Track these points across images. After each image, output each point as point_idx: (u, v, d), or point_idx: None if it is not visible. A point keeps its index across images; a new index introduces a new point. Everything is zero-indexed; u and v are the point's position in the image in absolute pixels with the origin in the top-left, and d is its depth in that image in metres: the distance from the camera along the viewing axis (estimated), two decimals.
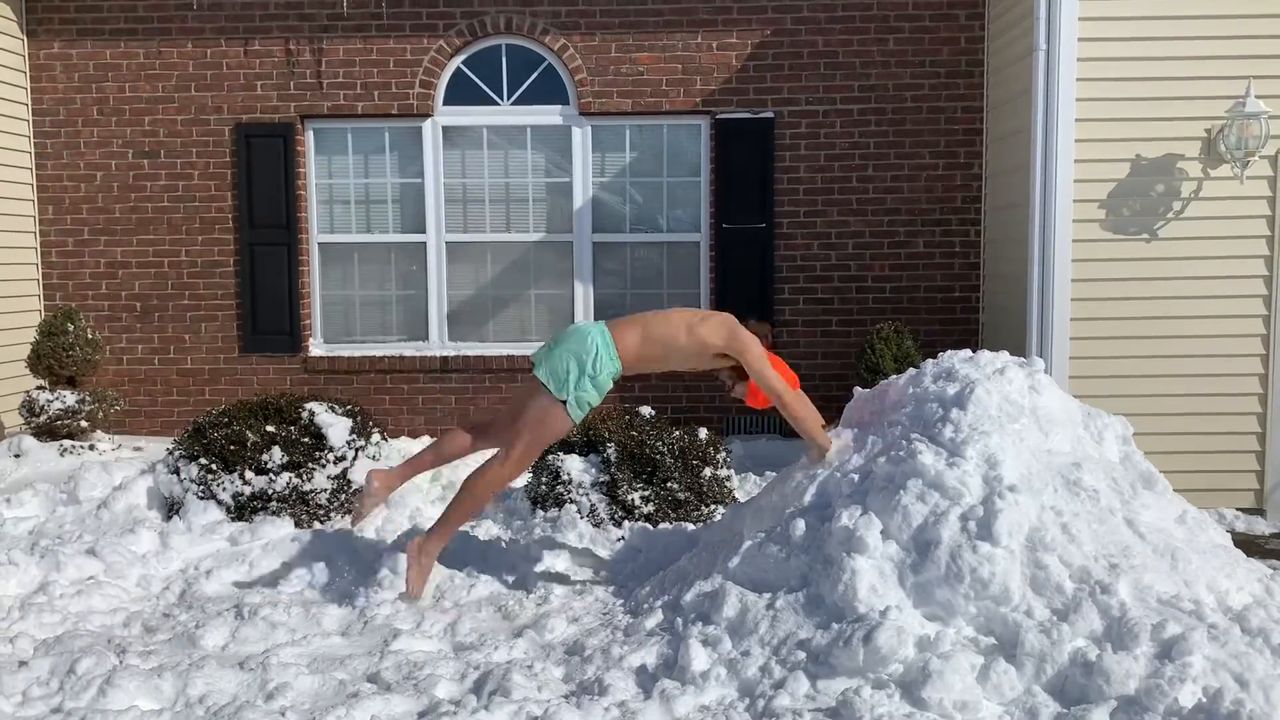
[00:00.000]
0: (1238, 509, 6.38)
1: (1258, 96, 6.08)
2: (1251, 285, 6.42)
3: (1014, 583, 3.77)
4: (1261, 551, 5.62)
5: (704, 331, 4.61)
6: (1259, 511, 6.43)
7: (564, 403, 4.51)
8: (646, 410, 6.36)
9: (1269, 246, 6.40)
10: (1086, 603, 3.68)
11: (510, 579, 4.99)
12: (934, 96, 7.81)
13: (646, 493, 5.76)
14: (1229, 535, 4.59)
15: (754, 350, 4.61)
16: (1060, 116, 6.31)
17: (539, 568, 5.08)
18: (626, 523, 5.64)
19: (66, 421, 7.34)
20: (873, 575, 3.86)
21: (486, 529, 5.60)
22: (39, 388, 7.46)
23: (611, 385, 4.62)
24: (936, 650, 3.56)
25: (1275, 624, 3.74)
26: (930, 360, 4.83)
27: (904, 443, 4.31)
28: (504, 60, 8.03)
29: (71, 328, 7.51)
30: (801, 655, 3.70)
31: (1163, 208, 6.44)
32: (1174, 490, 4.50)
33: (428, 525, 5.69)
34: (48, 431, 7.37)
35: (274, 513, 5.80)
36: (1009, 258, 7.19)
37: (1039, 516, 3.97)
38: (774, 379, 4.62)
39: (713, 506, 5.86)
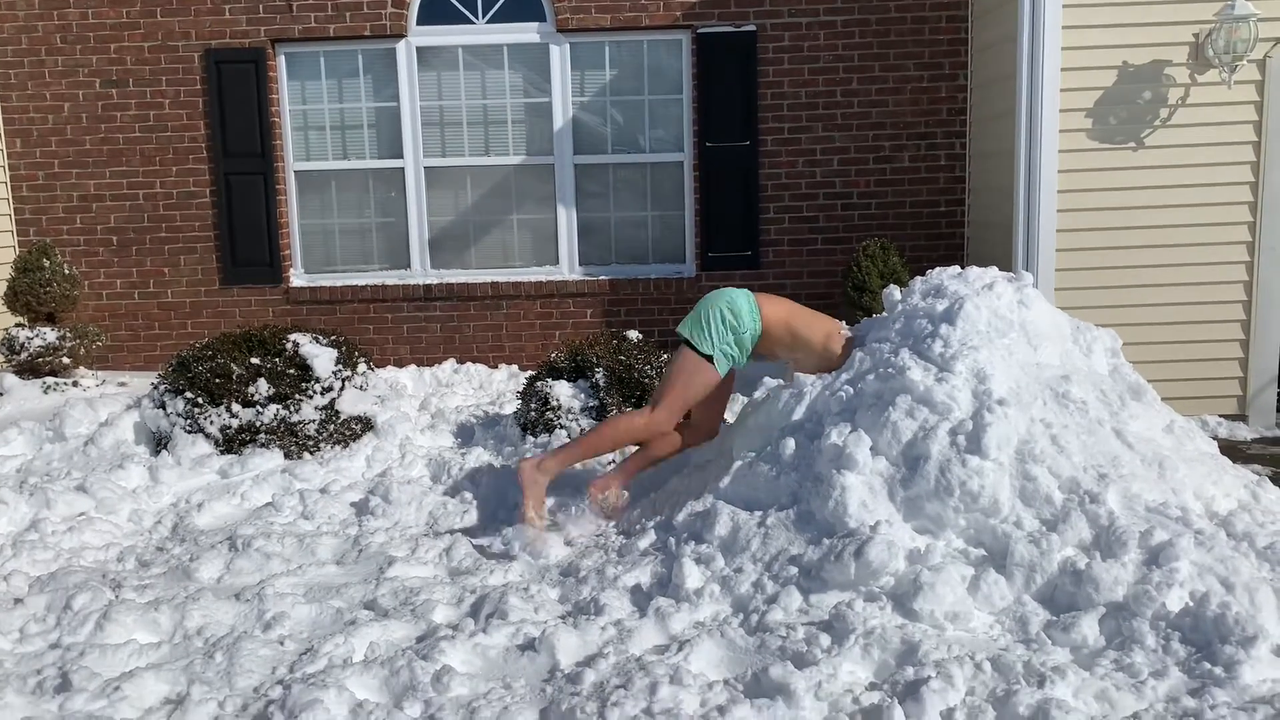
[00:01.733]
0: (1221, 415, 6.45)
1: None
2: (1238, 192, 6.39)
3: (1003, 495, 3.80)
4: (1244, 457, 5.70)
5: (836, 347, 4.62)
6: (1241, 417, 6.50)
7: (709, 357, 4.50)
8: (633, 334, 6.34)
9: (1255, 152, 6.35)
10: (1075, 512, 3.72)
11: (504, 504, 5.01)
12: (918, 5, 7.65)
13: None
14: (1214, 442, 4.63)
15: None
16: (1046, 23, 6.19)
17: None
18: None
19: (48, 358, 7.27)
20: (863, 491, 3.89)
21: (477, 455, 5.60)
22: (18, 325, 7.38)
23: (752, 348, 4.59)
24: (927, 563, 3.60)
25: (1259, 528, 3.79)
26: (919, 277, 4.81)
27: (893, 359, 4.31)
28: None
29: (47, 263, 7.39)
30: (793, 570, 3.74)
31: (1149, 115, 6.37)
32: (1162, 399, 4.53)
33: (416, 454, 5.70)
34: (29, 369, 7.31)
35: (263, 445, 5.79)
36: (995, 170, 7.12)
37: (1028, 429, 3.99)
38: None
39: None
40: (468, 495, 5.05)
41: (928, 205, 7.87)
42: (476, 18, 7.86)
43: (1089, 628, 3.31)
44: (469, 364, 7.70)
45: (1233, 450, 5.78)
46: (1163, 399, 4.62)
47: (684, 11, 7.71)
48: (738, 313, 4.51)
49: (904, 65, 7.71)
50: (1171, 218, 6.39)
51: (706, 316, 4.52)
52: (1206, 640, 3.19)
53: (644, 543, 4.18)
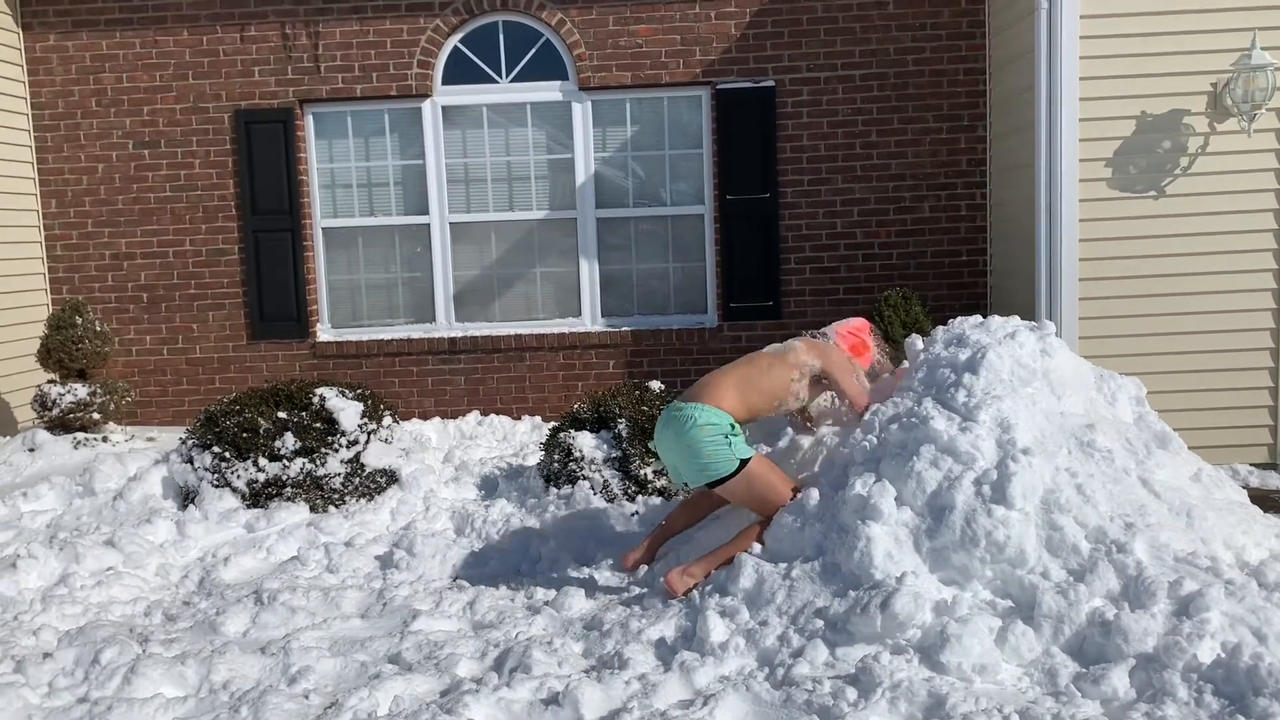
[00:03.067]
0: (1251, 464, 6.37)
1: (1263, 48, 6.02)
2: (1261, 239, 6.38)
3: (1029, 545, 3.77)
4: (1276, 507, 5.61)
5: (801, 391, 4.57)
6: (1272, 466, 6.42)
7: (743, 462, 4.25)
8: (656, 385, 6.37)
9: (1277, 200, 6.35)
10: (1103, 562, 3.69)
11: (527, 556, 5.01)
12: (936, 59, 7.74)
13: (659, 467, 5.77)
14: (1245, 491, 4.58)
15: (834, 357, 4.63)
16: (1064, 75, 6.25)
17: (554, 544, 5.10)
18: (640, 498, 5.65)
19: (79, 414, 7.37)
20: (888, 542, 3.87)
21: (501, 508, 5.62)
22: (50, 381, 7.49)
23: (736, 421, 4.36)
24: (954, 614, 3.57)
25: None
26: (941, 326, 4.81)
27: (916, 408, 4.31)
28: (501, 37, 7.98)
29: (80, 321, 7.52)
30: (819, 623, 3.71)
31: (1169, 164, 6.39)
32: (1189, 448, 4.49)
33: (440, 506, 5.72)
34: (60, 425, 7.40)
35: (289, 499, 5.83)
36: (1015, 219, 7.14)
37: (1053, 478, 3.97)
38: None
39: None
40: (492, 548, 5.06)
41: (949, 255, 7.89)
42: (500, 77, 8.01)
43: (1119, 680, 3.27)
44: (492, 416, 7.73)
45: (1264, 499, 5.70)
46: (1193, 448, 4.59)
47: (704, 68, 7.84)
48: (704, 422, 4.25)
49: (923, 118, 7.79)
50: (1194, 265, 6.38)
51: (697, 451, 4.23)
52: (1240, 693, 3.13)
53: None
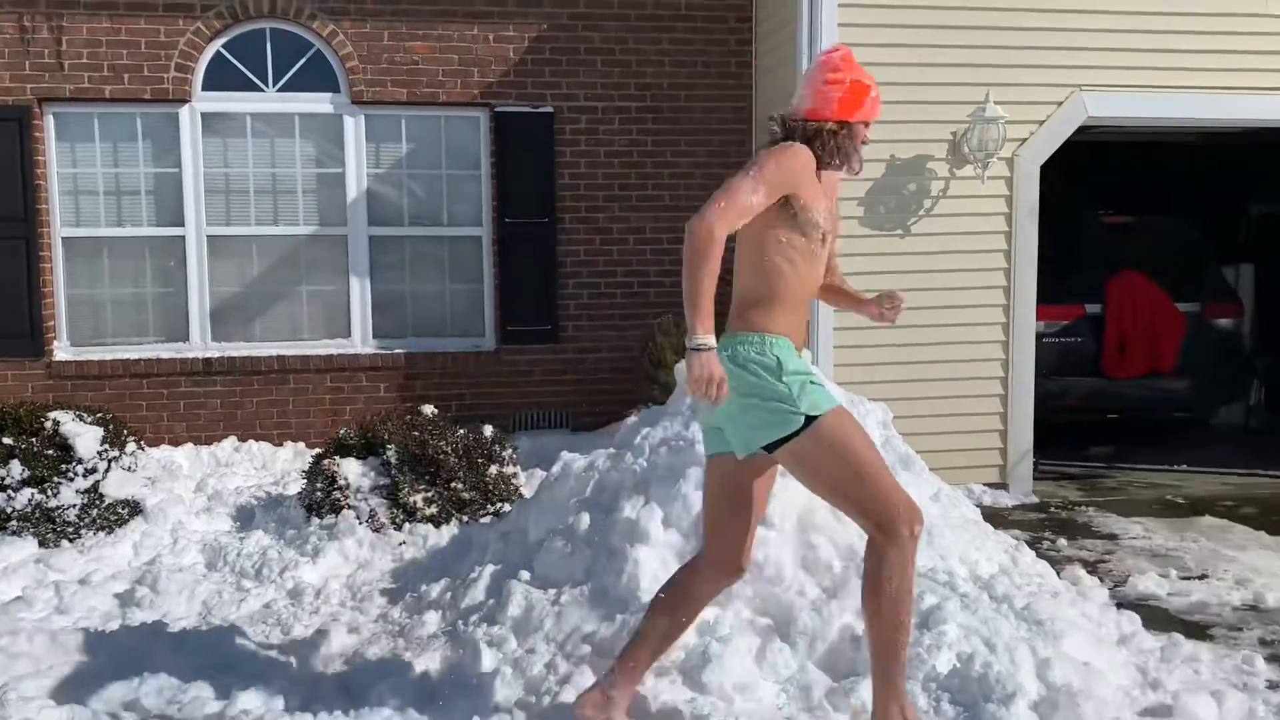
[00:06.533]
0: (984, 484, 6.92)
1: (995, 103, 6.60)
2: (994, 277, 6.96)
3: (787, 564, 3.92)
4: (1006, 523, 6.12)
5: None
6: (1003, 486, 6.99)
7: (810, 417, 2.95)
8: (428, 409, 6.22)
9: (1007, 241, 6.95)
10: (854, 579, 3.88)
11: (286, 590, 4.75)
12: (707, 96, 8.02)
13: (430, 494, 5.63)
14: (978, 510, 4.96)
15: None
16: None
17: (315, 577, 4.87)
18: (409, 526, 5.49)
19: None
20: (655, 564, 3.92)
21: (258, 540, 5.31)
22: None
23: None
24: (716, 634, 3.66)
25: (1018, 590, 4.07)
26: None
27: (684, 432, 4.42)
28: (269, 45, 7.62)
29: None
30: (587, 649, 3.71)
31: (915, 205, 6.88)
32: (930, 469, 4.82)
33: (190, 539, 5.35)
34: None
35: (14, 533, 5.30)
36: None
37: (809, 499, 4.15)
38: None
39: (499, 504, 5.80)
40: (246, 582, 4.77)
41: (721, 284, 8.14)
42: (267, 86, 7.65)
43: (868, 692, 3.43)
44: (251, 442, 7.32)
45: (996, 517, 6.20)
46: (934, 469, 4.93)
47: (482, 90, 7.79)
48: (764, 366, 3.02)
49: (694, 151, 8.04)
50: (937, 299, 6.87)
51: (753, 390, 2.98)
52: (972, 699, 3.37)
53: (433, 626, 4.06)
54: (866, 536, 2.99)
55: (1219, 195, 9.87)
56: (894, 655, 3.01)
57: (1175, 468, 7.75)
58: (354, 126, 7.76)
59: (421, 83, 7.71)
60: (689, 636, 3.65)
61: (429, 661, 3.79)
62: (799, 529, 4.03)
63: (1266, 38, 6.91)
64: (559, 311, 7.98)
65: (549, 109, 7.85)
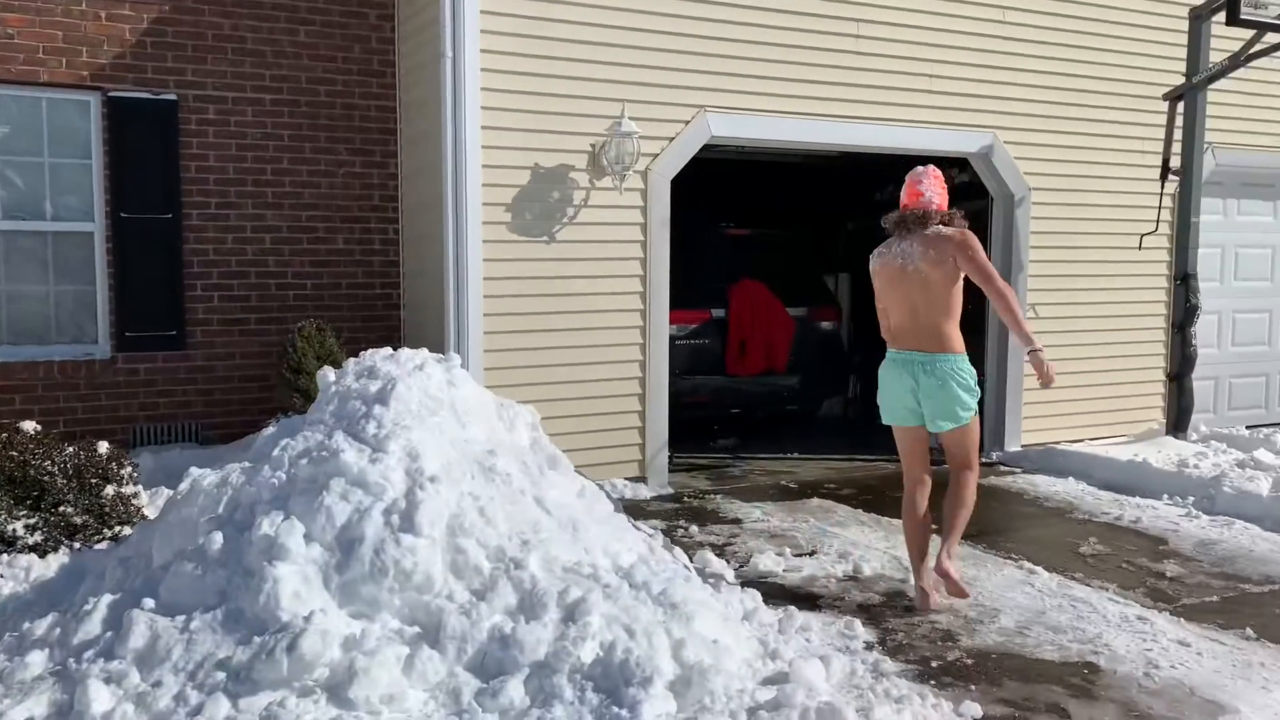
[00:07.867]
0: (626, 478, 7.29)
1: (631, 118, 6.96)
2: (631, 284, 7.34)
3: (436, 570, 3.91)
4: (645, 514, 6.48)
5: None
6: (642, 479, 7.40)
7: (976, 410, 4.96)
8: (31, 425, 5.54)
9: (643, 250, 7.36)
10: (502, 580, 3.94)
11: None
12: (348, 93, 7.79)
13: (33, 520, 5.02)
14: (620, 503, 5.22)
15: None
16: (467, 123, 6.66)
17: None
18: (6, 557, 4.86)
19: None
20: (296, 581, 3.76)
21: None
22: None
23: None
24: (362, 648, 3.57)
25: (654, 576, 4.31)
26: (353, 358, 4.84)
27: (327, 441, 4.27)
28: None
29: None
30: (221, 675, 3.49)
31: (559, 213, 7.10)
32: (577, 467, 5.00)
33: None
34: None
35: None
36: (426, 255, 7.43)
37: (459, 503, 4.16)
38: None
39: (119, 528, 5.29)
40: None
41: (364, 287, 7.95)
42: None
43: (515, 690, 3.51)
44: None
45: (635, 508, 6.55)
46: (581, 467, 5.12)
47: (92, 72, 7.06)
48: (967, 372, 4.89)
49: (336, 149, 7.78)
50: (581, 304, 7.15)
51: (959, 398, 4.86)
52: (614, 685, 3.53)
53: (38, 668, 3.63)
54: (954, 471, 5.02)
55: (822, 211, 11.07)
56: (961, 525, 4.95)
57: (789, 455, 8.60)
58: None
59: (18, 59, 6.86)
60: (334, 653, 3.55)
61: (34, 707, 3.39)
62: (448, 533, 4.03)
63: (851, 71, 7.84)
64: (186, 315, 7.42)
65: (172, 96, 7.28)
